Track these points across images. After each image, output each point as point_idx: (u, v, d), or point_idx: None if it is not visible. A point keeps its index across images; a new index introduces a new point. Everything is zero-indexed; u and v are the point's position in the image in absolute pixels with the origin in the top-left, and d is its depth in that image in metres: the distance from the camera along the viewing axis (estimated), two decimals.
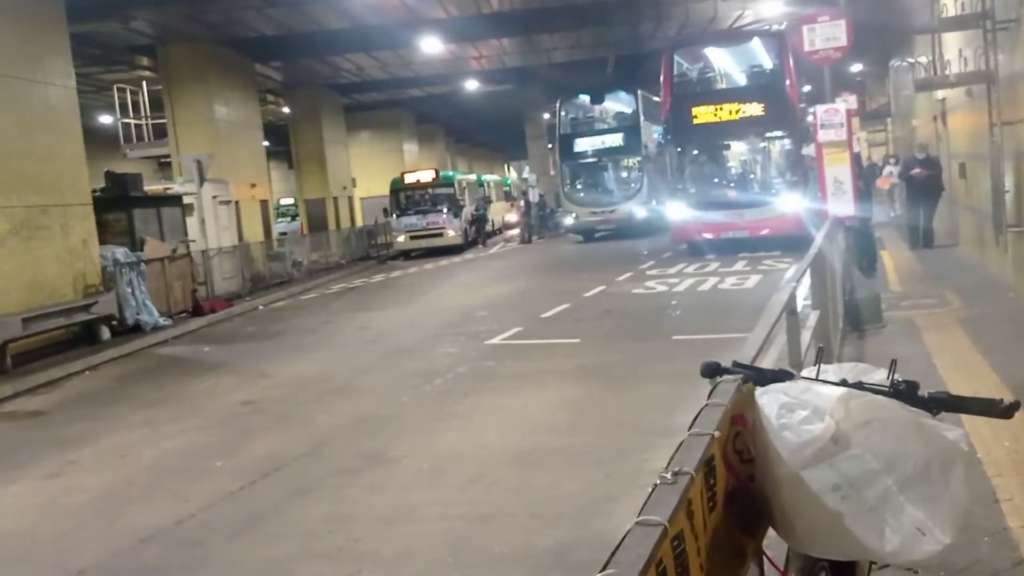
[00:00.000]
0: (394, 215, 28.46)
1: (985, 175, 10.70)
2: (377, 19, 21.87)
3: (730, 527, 1.84)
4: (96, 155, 18.40)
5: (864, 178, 15.51)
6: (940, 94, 14.38)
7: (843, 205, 9.69)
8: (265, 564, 4.91)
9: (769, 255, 16.97)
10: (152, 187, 20.36)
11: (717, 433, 1.77)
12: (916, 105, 19.28)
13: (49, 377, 11.34)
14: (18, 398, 10.56)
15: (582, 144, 27.39)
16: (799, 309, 4.52)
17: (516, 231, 33.27)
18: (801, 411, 1.88)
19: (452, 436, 7.01)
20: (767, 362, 3.77)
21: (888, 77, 24.70)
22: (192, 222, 17.55)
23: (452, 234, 27.67)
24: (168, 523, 5.60)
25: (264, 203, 24.86)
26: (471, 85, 33.78)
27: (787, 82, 18.36)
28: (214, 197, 19.56)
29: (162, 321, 14.72)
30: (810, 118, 13.56)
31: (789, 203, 17.79)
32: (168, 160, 24.63)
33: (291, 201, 40.67)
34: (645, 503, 1.46)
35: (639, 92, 26.61)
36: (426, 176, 29.66)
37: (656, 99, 24.88)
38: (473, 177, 36.24)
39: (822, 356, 2.23)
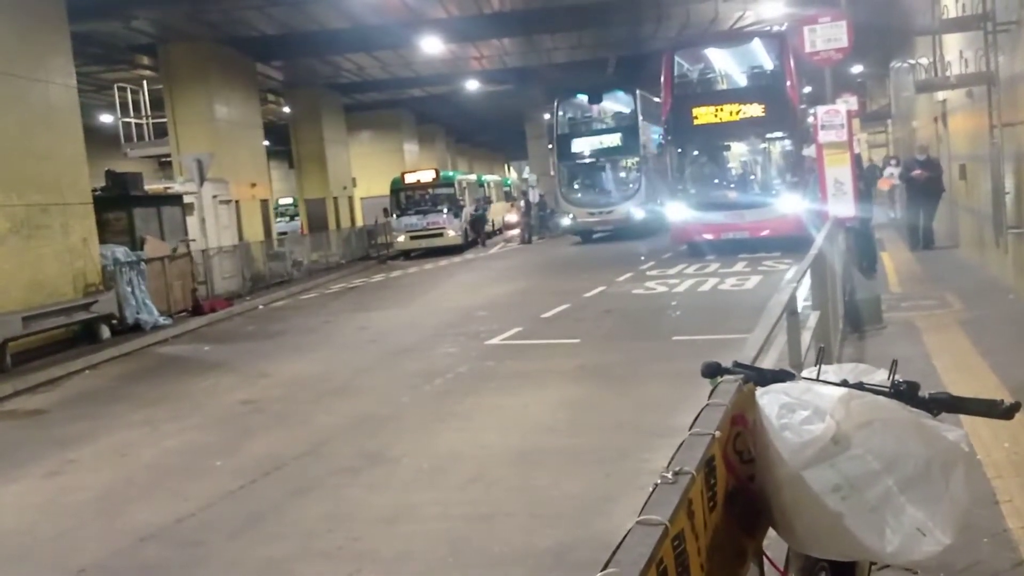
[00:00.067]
0: (394, 215, 28.46)
1: (985, 177, 10.70)
2: (378, 19, 21.88)
3: (730, 527, 1.85)
4: (96, 154, 18.40)
5: (864, 179, 15.52)
6: (941, 95, 14.38)
7: (843, 206, 9.69)
8: (265, 563, 4.91)
9: (769, 256, 16.98)
10: (152, 186, 20.38)
11: (718, 433, 1.77)
12: (917, 106, 19.28)
13: (49, 376, 11.34)
14: (18, 397, 10.56)
15: (580, 144, 27.27)
16: (799, 310, 4.52)
17: (516, 231, 33.28)
18: (802, 411, 1.88)
19: (452, 436, 7.01)
20: (767, 363, 3.77)
21: (889, 78, 24.70)
22: (192, 221, 17.55)
23: (452, 234, 27.66)
24: (168, 522, 5.60)
25: (264, 203, 24.87)
26: (472, 85, 33.80)
27: (788, 83, 18.37)
28: (214, 196, 19.56)
29: (162, 320, 14.73)
30: (811, 119, 13.57)
31: (789, 204, 17.79)
32: (168, 159, 24.64)
33: (290, 201, 40.69)
34: (646, 503, 1.46)
35: (637, 92, 26.53)
36: (426, 176, 29.67)
37: (655, 99, 24.90)
38: (473, 177, 36.25)
39: (823, 356, 2.23)
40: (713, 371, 2.12)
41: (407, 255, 27.78)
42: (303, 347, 12.19)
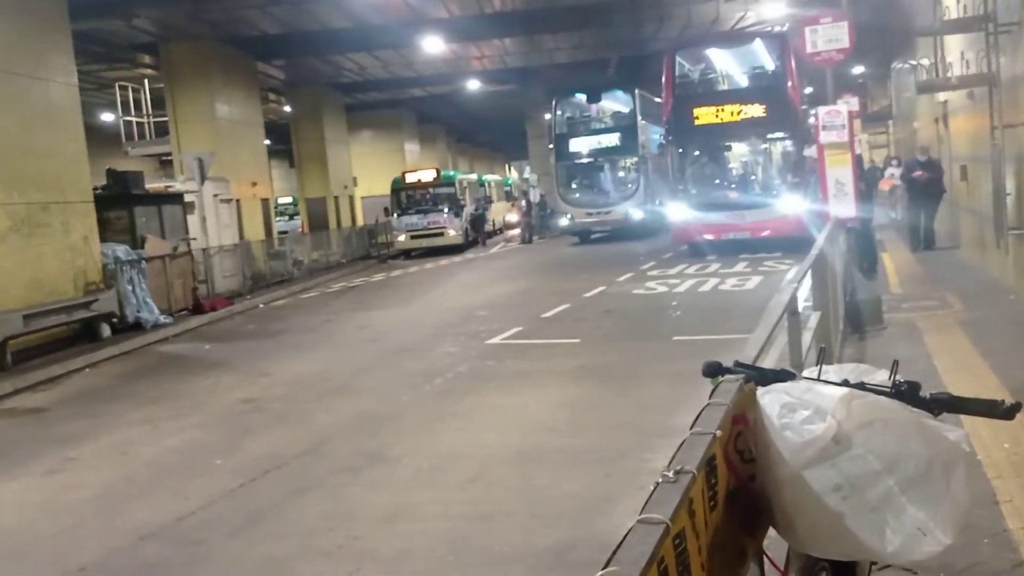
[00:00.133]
0: (395, 214, 28.46)
1: (986, 178, 10.70)
2: (379, 18, 21.88)
3: (731, 526, 1.85)
4: (97, 153, 18.40)
5: (865, 180, 15.52)
6: (942, 96, 14.38)
7: (844, 207, 9.70)
8: (265, 562, 4.91)
9: (770, 256, 16.97)
10: (153, 185, 20.37)
11: (719, 432, 1.77)
12: (918, 107, 19.28)
13: (49, 374, 11.34)
14: (18, 395, 10.56)
15: (578, 144, 27.14)
16: (800, 310, 4.52)
17: (517, 231, 33.27)
18: (803, 411, 1.88)
19: (452, 435, 7.01)
20: (768, 363, 3.77)
21: (890, 79, 24.69)
22: (193, 220, 17.56)
23: (453, 234, 27.65)
24: (168, 520, 5.60)
25: (265, 202, 24.87)
26: (473, 85, 33.79)
27: (789, 83, 18.36)
28: (215, 195, 19.56)
29: (163, 319, 14.73)
30: (812, 120, 13.57)
31: (790, 204, 17.79)
32: (169, 158, 24.62)
33: (289, 200, 40.68)
34: (647, 501, 1.47)
35: (636, 91, 26.43)
36: (427, 175, 29.68)
37: (655, 99, 24.89)
38: (474, 177, 36.25)
39: (823, 357, 2.23)
40: (714, 371, 2.13)
41: (407, 254, 27.78)
42: (303, 346, 12.19)
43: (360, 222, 32.86)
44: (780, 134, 18.96)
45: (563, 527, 4.88)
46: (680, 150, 19.67)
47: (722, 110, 18.99)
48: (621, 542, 1.33)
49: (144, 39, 21.76)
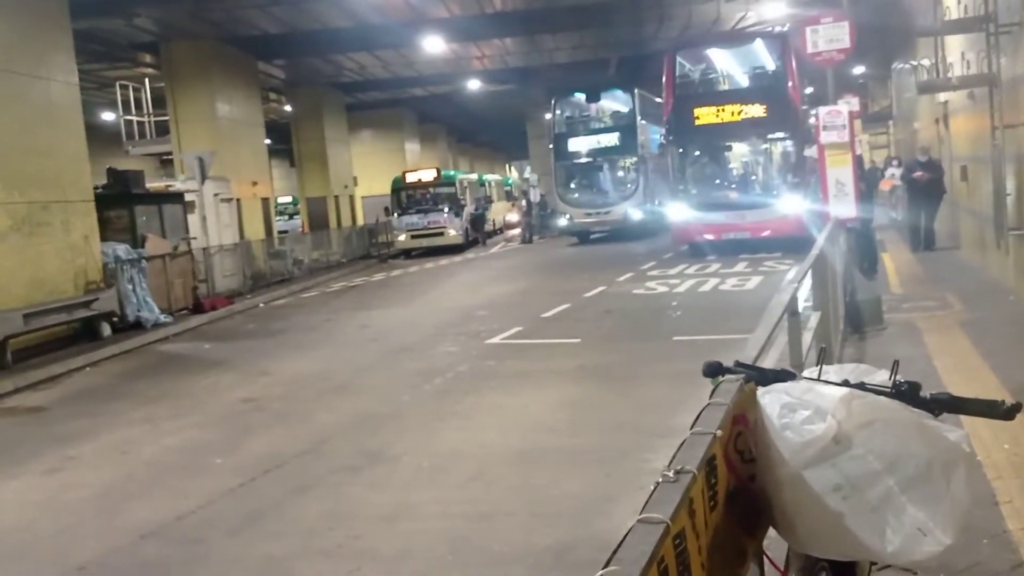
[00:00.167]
0: (395, 214, 28.46)
1: (987, 178, 10.70)
2: (380, 18, 21.88)
3: (731, 526, 1.85)
4: (98, 152, 18.39)
5: (865, 180, 15.52)
6: (942, 97, 14.38)
7: (845, 207, 9.70)
8: (265, 561, 4.91)
9: (770, 256, 16.98)
10: (154, 184, 20.41)
11: (719, 432, 1.77)
12: (918, 108, 19.28)
13: (49, 373, 11.34)
14: (18, 394, 10.56)
15: (577, 144, 27.04)
16: (800, 310, 4.52)
17: (517, 231, 33.26)
18: (803, 411, 1.88)
19: (452, 435, 7.01)
20: (768, 363, 3.77)
21: (890, 79, 24.70)
22: (193, 219, 17.56)
23: (453, 233, 27.65)
24: (168, 519, 5.60)
25: (265, 201, 24.86)
26: (473, 85, 33.78)
27: (789, 84, 18.37)
28: (215, 195, 19.56)
29: (163, 318, 14.73)
30: (812, 120, 13.56)
31: (790, 205, 17.80)
32: (170, 157, 24.61)
33: (288, 199, 40.68)
34: (647, 501, 1.47)
35: (636, 91, 26.37)
36: (427, 175, 29.67)
37: (654, 99, 24.87)
38: (474, 176, 36.24)
39: (824, 357, 2.23)
40: (714, 370, 2.12)
41: (408, 254, 27.78)
42: (304, 345, 12.19)
43: (360, 222, 32.86)
44: (780, 134, 18.97)
45: (563, 527, 4.88)
46: (680, 150, 19.67)
47: (722, 110, 18.99)
48: (621, 542, 1.33)
49: (145, 38, 21.76)
